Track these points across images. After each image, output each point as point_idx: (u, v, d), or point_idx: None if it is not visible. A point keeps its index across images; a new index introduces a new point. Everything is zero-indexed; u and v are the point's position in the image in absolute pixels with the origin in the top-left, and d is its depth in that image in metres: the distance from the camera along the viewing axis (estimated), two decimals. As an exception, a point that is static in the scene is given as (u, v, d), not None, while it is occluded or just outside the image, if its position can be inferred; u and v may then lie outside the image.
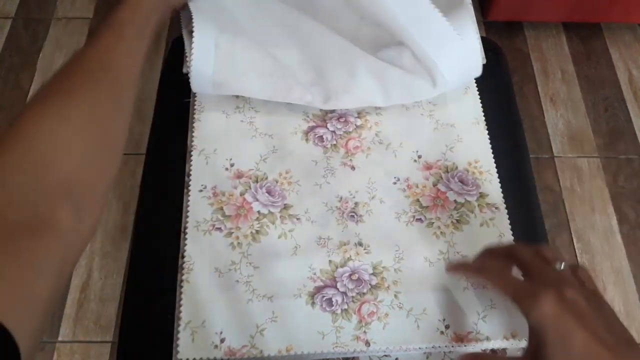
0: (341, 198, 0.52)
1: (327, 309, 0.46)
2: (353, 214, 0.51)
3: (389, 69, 0.53)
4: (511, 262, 0.41)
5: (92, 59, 0.40)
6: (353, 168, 0.54)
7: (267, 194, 0.52)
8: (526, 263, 0.40)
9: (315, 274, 0.47)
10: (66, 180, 0.33)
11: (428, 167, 0.54)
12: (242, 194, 0.51)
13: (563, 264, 0.39)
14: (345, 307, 0.46)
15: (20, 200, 0.31)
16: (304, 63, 0.55)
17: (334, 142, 0.55)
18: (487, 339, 0.45)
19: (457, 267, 0.46)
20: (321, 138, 0.55)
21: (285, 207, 0.51)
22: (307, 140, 0.55)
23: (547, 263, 0.39)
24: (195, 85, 0.53)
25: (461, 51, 0.53)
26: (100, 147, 0.38)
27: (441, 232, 0.50)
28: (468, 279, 0.46)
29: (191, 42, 0.51)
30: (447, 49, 0.52)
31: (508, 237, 0.50)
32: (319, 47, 0.56)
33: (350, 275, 0.48)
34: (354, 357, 0.45)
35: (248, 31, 0.56)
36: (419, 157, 0.54)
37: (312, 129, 0.56)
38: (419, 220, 0.51)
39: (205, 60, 0.52)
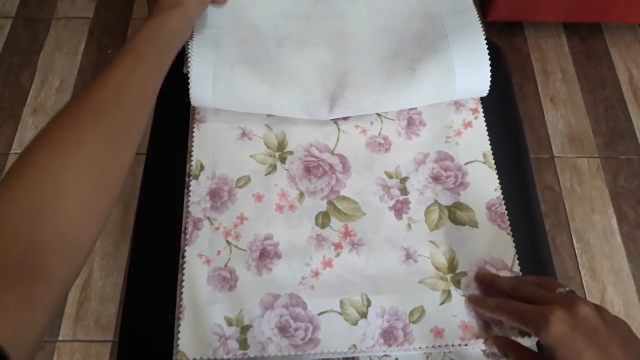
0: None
1: None
2: None
3: (396, 80, 0.53)
4: (516, 297, 0.41)
5: (104, 92, 0.38)
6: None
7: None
8: (531, 294, 0.39)
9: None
10: (61, 227, 0.33)
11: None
12: (243, 194, 0.52)
13: (567, 288, 0.39)
14: None
15: (13, 249, 0.30)
16: (313, 75, 0.55)
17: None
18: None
19: (476, 302, 0.45)
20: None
21: (287, 207, 0.51)
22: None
23: (551, 291, 0.39)
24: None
25: (479, 68, 0.53)
26: (100, 186, 0.37)
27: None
28: (485, 313, 0.45)
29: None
30: (472, 63, 0.53)
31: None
32: (330, 57, 0.56)
33: None
34: (353, 357, 0.45)
35: (253, 48, 0.55)
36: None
37: (312, 129, 0.56)
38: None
39: (203, 93, 0.52)
